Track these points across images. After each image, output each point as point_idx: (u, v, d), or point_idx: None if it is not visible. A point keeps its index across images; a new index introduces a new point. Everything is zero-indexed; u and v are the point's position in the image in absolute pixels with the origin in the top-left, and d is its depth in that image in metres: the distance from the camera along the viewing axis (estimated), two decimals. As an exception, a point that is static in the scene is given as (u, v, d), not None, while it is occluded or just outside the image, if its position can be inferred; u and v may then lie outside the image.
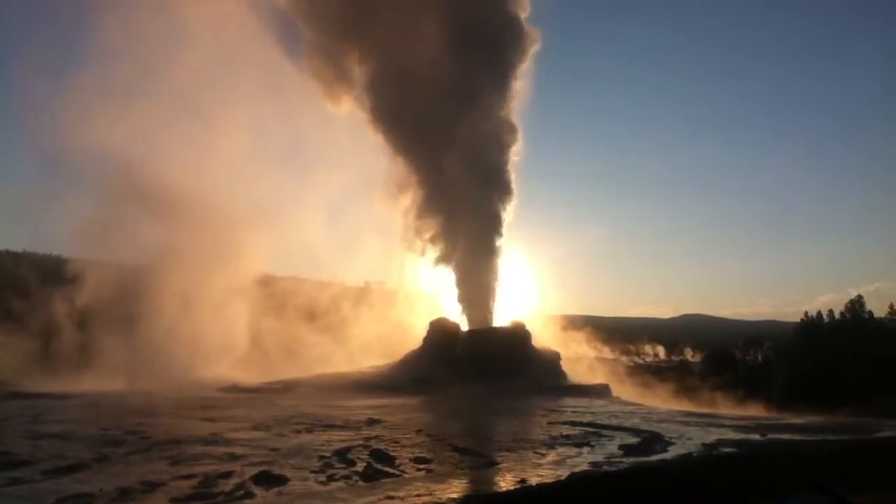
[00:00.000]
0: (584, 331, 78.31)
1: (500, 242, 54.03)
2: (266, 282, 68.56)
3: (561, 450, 21.87)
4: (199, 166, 65.77)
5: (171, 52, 68.77)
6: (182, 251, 58.02)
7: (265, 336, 60.36)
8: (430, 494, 15.13)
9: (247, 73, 75.89)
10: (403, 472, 18.21)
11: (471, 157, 51.74)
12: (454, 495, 15.13)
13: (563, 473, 17.38)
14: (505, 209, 54.36)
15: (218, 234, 61.32)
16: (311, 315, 64.57)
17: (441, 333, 50.95)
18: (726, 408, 47.83)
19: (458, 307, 53.46)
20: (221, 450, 20.67)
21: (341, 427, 26.40)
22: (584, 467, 18.53)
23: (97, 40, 70.14)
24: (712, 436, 25.73)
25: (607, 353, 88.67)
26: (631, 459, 19.99)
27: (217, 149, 66.52)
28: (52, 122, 69.86)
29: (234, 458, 19.38)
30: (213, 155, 66.43)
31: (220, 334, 55.82)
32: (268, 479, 16.66)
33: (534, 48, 56.38)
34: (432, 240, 55.18)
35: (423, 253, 56.12)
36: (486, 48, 53.51)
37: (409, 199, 56.76)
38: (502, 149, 54.24)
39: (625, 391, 51.68)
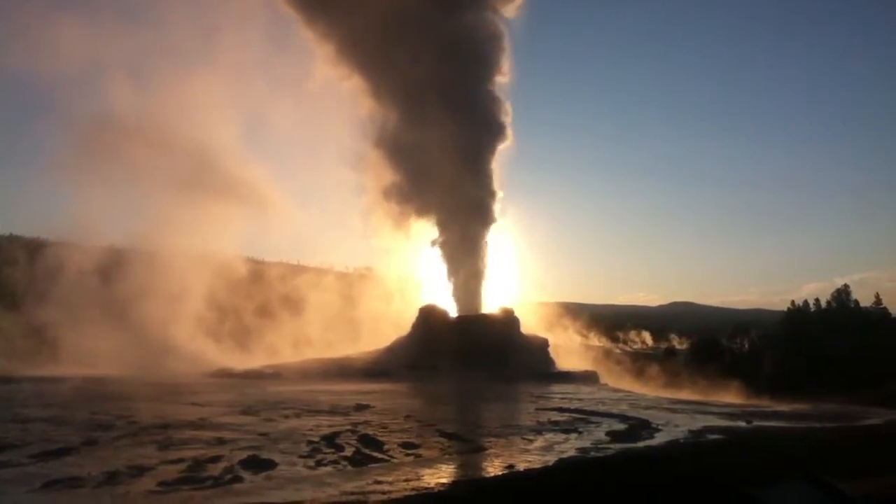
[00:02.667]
0: (572, 318, 78.64)
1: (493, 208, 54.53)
2: (249, 265, 68.38)
3: (549, 436, 21.95)
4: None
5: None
6: (164, 229, 57.71)
7: (245, 320, 60.25)
8: (419, 479, 15.16)
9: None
10: (392, 457, 18.23)
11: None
12: (442, 480, 15.16)
13: (551, 459, 17.46)
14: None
15: (200, 211, 60.88)
16: (294, 300, 64.41)
17: (430, 320, 51.02)
18: (713, 395, 48.07)
19: (448, 293, 53.52)
20: (210, 434, 20.63)
21: (330, 412, 26.41)
22: (572, 453, 18.62)
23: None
24: (699, 423, 25.89)
25: (595, 340, 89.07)
26: (618, 446, 20.09)
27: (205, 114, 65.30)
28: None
29: (222, 442, 19.36)
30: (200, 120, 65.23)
31: (197, 319, 55.52)
32: (256, 464, 16.64)
33: None
34: (419, 212, 55.17)
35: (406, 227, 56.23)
36: None
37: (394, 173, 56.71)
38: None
39: (612, 378, 51.92)
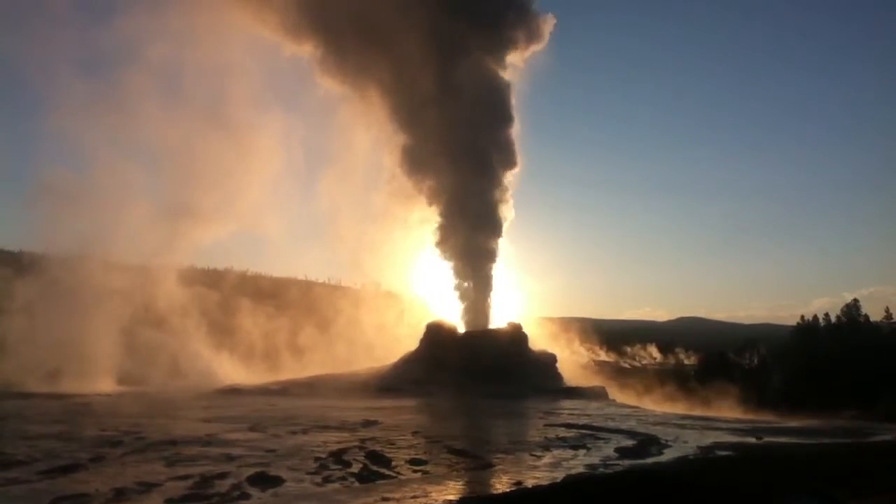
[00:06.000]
0: (580, 333, 78.51)
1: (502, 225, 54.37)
2: (255, 281, 68.39)
3: (557, 452, 21.83)
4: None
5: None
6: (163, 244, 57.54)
7: (251, 336, 60.26)
8: (426, 496, 15.10)
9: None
10: (399, 473, 18.17)
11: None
12: (450, 497, 15.10)
13: (559, 475, 17.35)
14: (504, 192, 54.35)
15: (201, 226, 60.74)
16: (301, 316, 64.47)
17: (437, 335, 50.92)
18: (722, 411, 47.86)
19: (455, 309, 53.48)
20: (217, 451, 20.61)
21: (337, 428, 26.34)
22: (580, 470, 18.49)
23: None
24: (708, 439, 25.73)
25: (603, 355, 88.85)
26: (627, 462, 19.97)
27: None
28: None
29: (230, 458, 19.33)
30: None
31: (203, 335, 55.41)
32: (264, 480, 16.61)
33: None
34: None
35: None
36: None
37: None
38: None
39: (621, 394, 51.72)
